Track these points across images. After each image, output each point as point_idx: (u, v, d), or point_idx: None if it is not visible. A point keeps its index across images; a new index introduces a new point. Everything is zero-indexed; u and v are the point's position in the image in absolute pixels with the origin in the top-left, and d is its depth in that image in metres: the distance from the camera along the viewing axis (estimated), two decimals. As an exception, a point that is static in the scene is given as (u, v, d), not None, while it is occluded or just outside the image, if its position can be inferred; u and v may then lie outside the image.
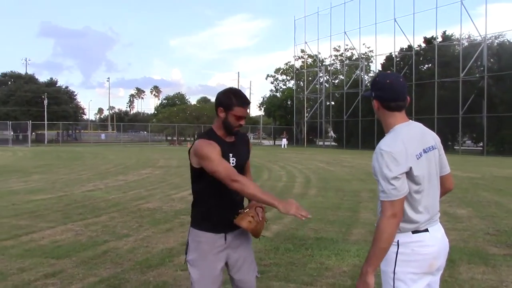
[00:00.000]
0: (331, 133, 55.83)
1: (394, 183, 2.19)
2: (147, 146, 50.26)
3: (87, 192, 11.15)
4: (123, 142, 61.07)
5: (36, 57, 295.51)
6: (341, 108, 47.38)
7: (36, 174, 15.75)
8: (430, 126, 2.67)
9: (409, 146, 2.27)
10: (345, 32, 46.81)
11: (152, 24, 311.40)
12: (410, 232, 2.31)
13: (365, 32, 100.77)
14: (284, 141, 48.94)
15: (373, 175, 2.32)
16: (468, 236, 6.75)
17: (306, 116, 54.63)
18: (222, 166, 2.63)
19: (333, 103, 53.26)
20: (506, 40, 37.10)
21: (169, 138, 70.27)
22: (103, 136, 77.23)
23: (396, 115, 2.38)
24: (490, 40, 36.91)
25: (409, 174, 2.24)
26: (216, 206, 2.80)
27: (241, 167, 2.89)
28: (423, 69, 42.21)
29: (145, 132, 73.44)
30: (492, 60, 37.07)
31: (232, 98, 2.75)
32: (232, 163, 2.77)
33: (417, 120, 3.14)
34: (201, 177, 2.76)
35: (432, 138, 2.46)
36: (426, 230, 2.34)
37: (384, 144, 2.28)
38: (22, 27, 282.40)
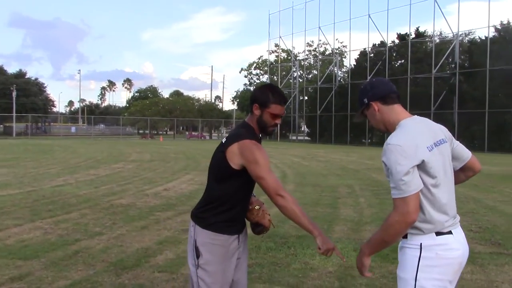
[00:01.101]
0: (304, 128, 56.03)
1: (405, 178, 1.99)
2: (118, 140, 49.40)
3: (56, 187, 10.70)
4: (94, 135, 59.97)
5: (4, 48, 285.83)
6: (314, 103, 47.55)
7: (3, 168, 15.13)
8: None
9: (418, 138, 2.09)
10: (319, 27, 46.94)
11: (124, 17, 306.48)
12: (434, 234, 2.09)
13: (339, 28, 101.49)
14: (258, 136, 48.76)
15: (385, 176, 2.11)
16: (450, 233, 6.64)
17: (280, 111, 54.58)
18: (271, 176, 2.48)
19: (306, 98, 53.44)
20: (477, 38, 37.76)
21: (141, 131, 69.39)
22: (73, 129, 75.83)
23: (397, 109, 2.25)
24: (461, 37, 37.46)
25: (422, 168, 2.04)
26: (239, 208, 2.66)
27: None
28: (396, 65, 42.69)
29: (116, 125, 72.35)
30: (463, 57, 37.69)
31: (269, 95, 2.61)
32: None
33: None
34: (234, 179, 2.56)
35: (441, 131, 2.28)
36: (450, 233, 2.13)
37: (391, 138, 2.10)
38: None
